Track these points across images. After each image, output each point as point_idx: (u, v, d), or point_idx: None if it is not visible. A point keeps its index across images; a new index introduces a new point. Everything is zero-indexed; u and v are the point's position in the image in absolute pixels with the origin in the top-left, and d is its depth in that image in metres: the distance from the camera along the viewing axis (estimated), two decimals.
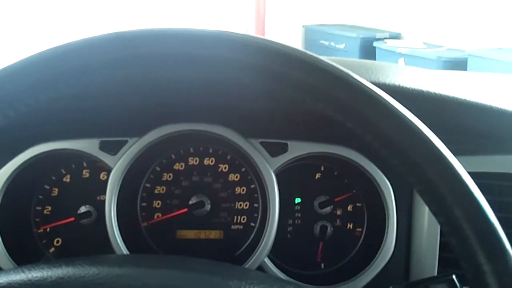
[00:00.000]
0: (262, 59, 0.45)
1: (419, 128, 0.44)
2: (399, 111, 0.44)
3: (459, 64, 3.57)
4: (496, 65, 3.24)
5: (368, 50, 4.36)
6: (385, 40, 4.34)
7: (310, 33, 5.02)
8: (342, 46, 4.60)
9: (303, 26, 5.10)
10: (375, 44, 4.34)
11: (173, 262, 0.52)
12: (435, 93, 0.70)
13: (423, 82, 0.72)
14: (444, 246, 0.75)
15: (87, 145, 0.76)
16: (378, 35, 4.51)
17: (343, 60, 0.80)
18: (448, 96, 0.71)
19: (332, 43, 4.68)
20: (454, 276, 0.60)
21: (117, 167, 0.76)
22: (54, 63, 0.45)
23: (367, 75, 0.71)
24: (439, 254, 0.75)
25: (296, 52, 0.45)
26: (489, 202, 0.43)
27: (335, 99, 0.45)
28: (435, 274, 0.75)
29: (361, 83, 0.45)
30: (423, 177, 0.43)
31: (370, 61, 0.83)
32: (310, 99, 0.46)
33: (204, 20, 4.64)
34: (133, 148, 0.76)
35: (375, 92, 0.45)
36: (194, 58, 0.46)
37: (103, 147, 0.76)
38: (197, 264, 0.51)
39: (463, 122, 0.74)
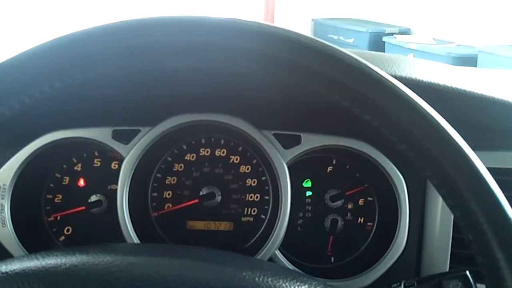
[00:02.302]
0: (276, 49, 0.45)
1: (437, 121, 0.43)
2: (417, 103, 0.44)
3: (469, 61, 3.55)
4: (506, 62, 3.21)
5: (377, 45, 4.33)
6: (395, 35, 4.32)
7: (319, 27, 5.00)
8: (351, 40, 4.58)
9: (312, 20, 5.08)
10: (384, 39, 4.32)
11: (187, 252, 0.52)
12: (451, 87, 0.69)
13: (439, 75, 0.72)
14: (456, 242, 0.75)
15: (100, 134, 0.76)
16: (387, 30, 4.49)
17: (357, 52, 0.79)
18: (464, 91, 0.70)
19: (341, 38, 4.66)
20: (467, 272, 0.60)
21: (130, 156, 0.76)
22: (68, 50, 0.45)
23: (382, 67, 0.71)
24: (451, 250, 0.75)
25: (315, 43, 0.45)
26: (507, 198, 0.42)
27: (353, 91, 0.45)
28: (447, 270, 0.75)
29: (380, 74, 0.44)
30: (440, 170, 0.43)
31: (384, 53, 0.82)
32: (326, 90, 0.45)
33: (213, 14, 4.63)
34: (145, 138, 0.76)
35: (394, 84, 0.44)
36: (208, 47, 0.46)
37: (116, 136, 0.76)
38: (212, 255, 0.51)
39: (480, 117, 0.73)
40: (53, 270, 0.45)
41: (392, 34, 4.39)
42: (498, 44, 3.58)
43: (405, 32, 4.51)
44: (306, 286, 0.46)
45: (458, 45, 3.98)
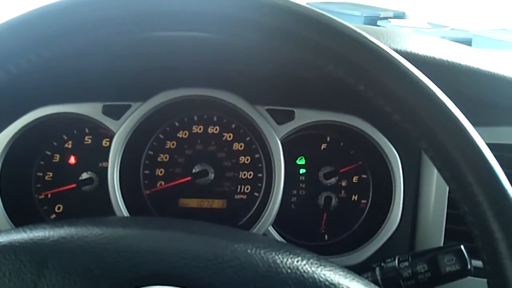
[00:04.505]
0: (272, 18, 0.44)
1: (433, 91, 0.43)
2: (414, 73, 0.43)
3: (464, 44, 3.54)
4: (500, 45, 3.21)
5: None
6: (389, 20, 4.29)
7: None
8: None
9: (306, 4, 5.04)
10: (379, 23, 4.29)
11: (178, 225, 0.51)
12: (447, 61, 0.69)
13: (435, 49, 0.71)
14: (450, 218, 0.74)
15: (90, 109, 0.75)
16: (382, 14, 4.46)
17: (354, 25, 0.78)
18: (460, 65, 0.69)
19: None
20: (462, 247, 0.60)
21: (120, 131, 0.75)
22: (56, 17, 0.44)
23: (378, 40, 0.70)
24: (445, 227, 0.75)
25: (313, 13, 0.44)
26: (507, 175, 0.41)
27: (348, 60, 0.44)
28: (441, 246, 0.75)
29: (376, 44, 0.44)
30: (436, 141, 0.42)
31: (380, 27, 0.81)
32: (322, 60, 0.44)
33: None
34: (137, 113, 0.75)
35: (390, 54, 0.43)
36: (202, 17, 0.44)
37: (106, 111, 0.75)
38: (203, 227, 0.50)
39: (478, 91, 0.72)
40: (41, 242, 0.44)
41: (386, 18, 4.37)
42: (492, 28, 3.57)
43: (399, 16, 4.49)
44: (299, 258, 0.46)
45: (452, 29, 3.96)
